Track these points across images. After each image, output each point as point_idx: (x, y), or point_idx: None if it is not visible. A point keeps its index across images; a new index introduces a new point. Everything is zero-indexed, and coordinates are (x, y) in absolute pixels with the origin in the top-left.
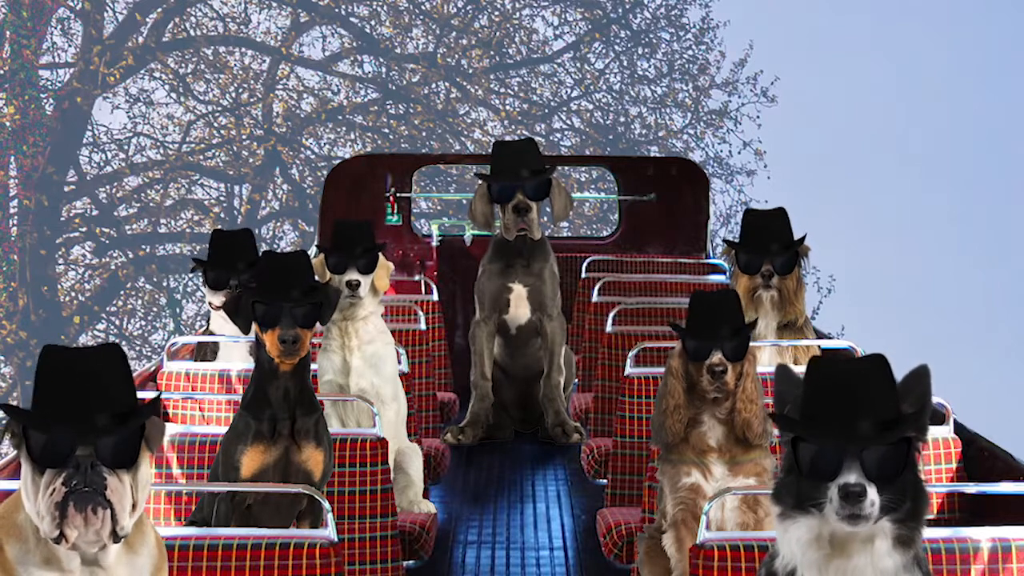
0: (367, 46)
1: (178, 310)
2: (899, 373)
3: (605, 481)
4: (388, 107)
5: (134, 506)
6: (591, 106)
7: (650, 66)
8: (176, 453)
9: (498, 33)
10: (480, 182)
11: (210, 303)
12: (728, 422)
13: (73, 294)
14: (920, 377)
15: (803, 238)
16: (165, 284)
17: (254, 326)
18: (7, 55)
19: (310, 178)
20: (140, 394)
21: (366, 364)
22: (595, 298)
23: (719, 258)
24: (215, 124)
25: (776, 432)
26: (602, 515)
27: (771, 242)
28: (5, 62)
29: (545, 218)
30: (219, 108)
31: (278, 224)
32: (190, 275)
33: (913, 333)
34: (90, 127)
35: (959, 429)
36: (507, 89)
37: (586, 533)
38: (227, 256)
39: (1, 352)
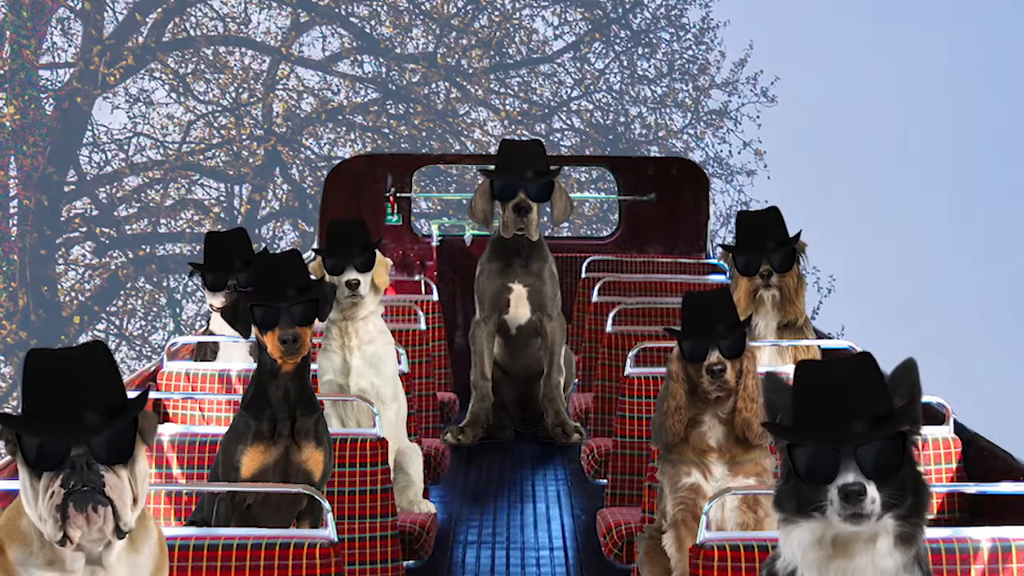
0: (367, 46)
1: (178, 310)
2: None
3: (605, 481)
4: (388, 107)
5: (135, 500)
6: (591, 106)
7: (650, 66)
8: (176, 453)
9: (498, 33)
10: (483, 178)
11: (210, 304)
12: (728, 422)
13: (73, 294)
14: (908, 370)
15: (798, 235)
16: (165, 284)
17: (254, 329)
18: (7, 55)
19: (310, 178)
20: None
21: (366, 364)
22: (595, 298)
23: (718, 260)
24: (215, 124)
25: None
26: (602, 515)
27: (767, 241)
28: (5, 62)
29: (544, 219)
30: (219, 108)
31: (278, 224)
32: (190, 275)
33: (913, 333)
34: (90, 127)
35: (959, 429)
36: (507, 89)
37: (586, 533)
38: (223, 257)
39: (1, 352)
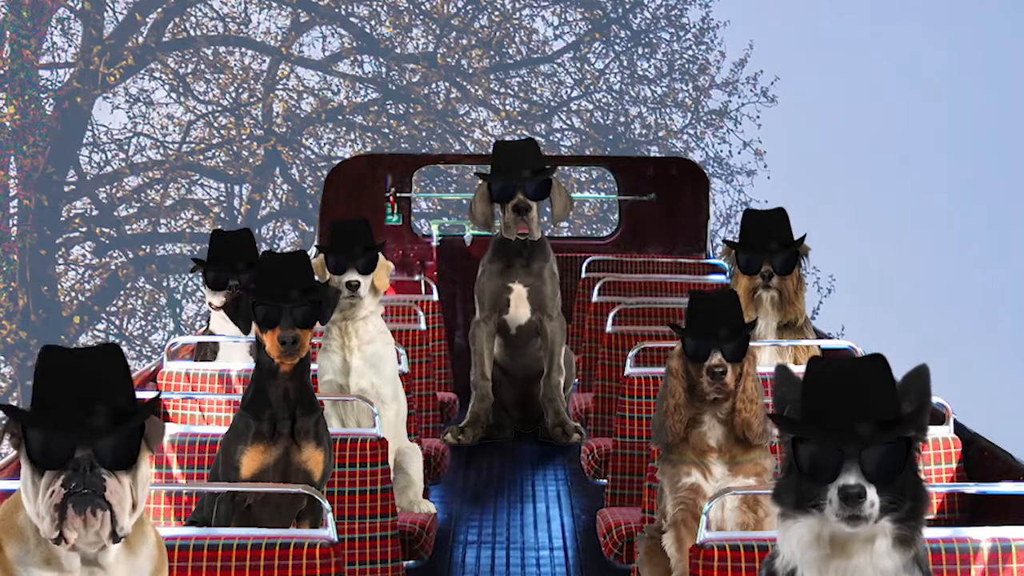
0: (367, 46)
1: (178, 310)
2: (899, 373)
3: (605, 481)
4: (388, 107)
5: (134, 506)
6: (591, 106)
7: (650, 66)
8: (176, 453)
9: (498, 33)
10: (480, 182)
11: (210, 303)
12: (728, 422)
13: (73, 294)
14: (920, 376)
15: (803, 238)
16: (165, 284)
17: (254, 327)
18: (7, 55)
19: (310, 178)
20: (140, 394)
21: (366, 364)
22: (595, 298)
23: (719, 258)
24: (215, 124)
25: (776, 432)
26: (602, 515)
27: (770, 242)
28: (5, 62)
29: (545, 218)
30: (219, 108)
31: (278, 224)
32: (190, 275)
33: (913, 333)
34: (90, 127)
35: (959, 429)
36: (507, 89)
37: (586, 533)
38: (227, 256)
39: (1, 352)
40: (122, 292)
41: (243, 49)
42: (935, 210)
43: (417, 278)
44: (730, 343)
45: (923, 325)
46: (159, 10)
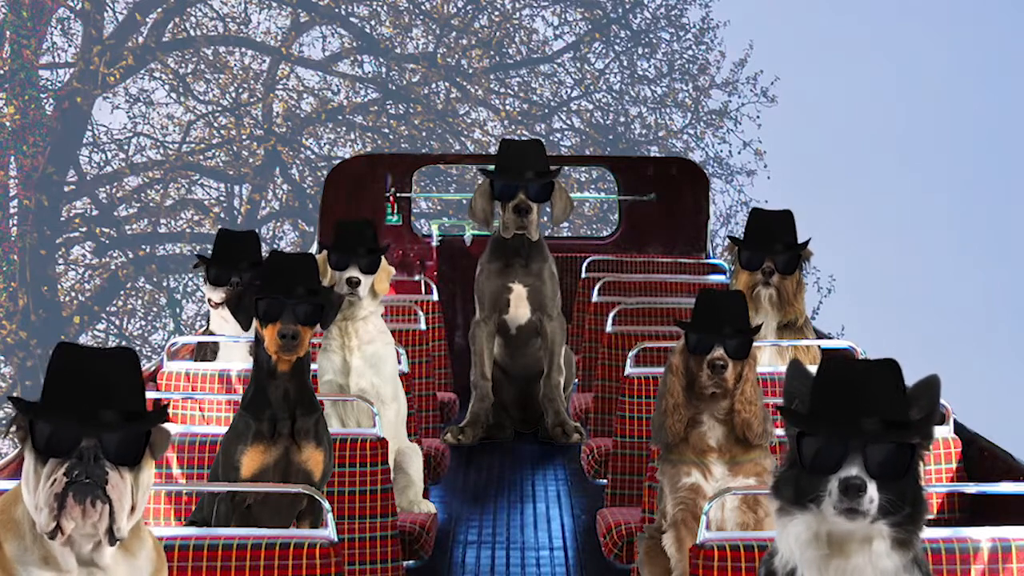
0: (367, 46)
1: (178, 310)
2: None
3: (605, 481)
4: (388, 107)
5: (133, 508)
6: (591, 106)
7: (650, 66)
8: (176, 453)
9: (498, 33)
10: (483, 178)
11: (209, 300)
12: (728, 422)
13: (73, 294)
14: (930, 386)
15: (807, 241)
16: (165, 284)
17: (255, 323)
18: (7, 55)
19: (310, 178)
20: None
21: (366, 364)
22: (595, 298)
23: (720, 257)
24: (215, 124)
25: (777, 432)
26: (602, 515)
27: (775, 241)
28: (5, 62)
29: (544, 218)
30: (219, 108)
31: (278, 224)
32: (190, 275)
33: (913, 333)
34: (90, 127)
35: (959, 429)
36: (507, 89)
37: (586, 533)
38: (231, 254)
39: (1, 352)
40: (122, 292)
41: (243, 49)
42: (935, 210)
43: (417, 278)
44: (733, 340)
45: (923, 325)
46: (159, 10)
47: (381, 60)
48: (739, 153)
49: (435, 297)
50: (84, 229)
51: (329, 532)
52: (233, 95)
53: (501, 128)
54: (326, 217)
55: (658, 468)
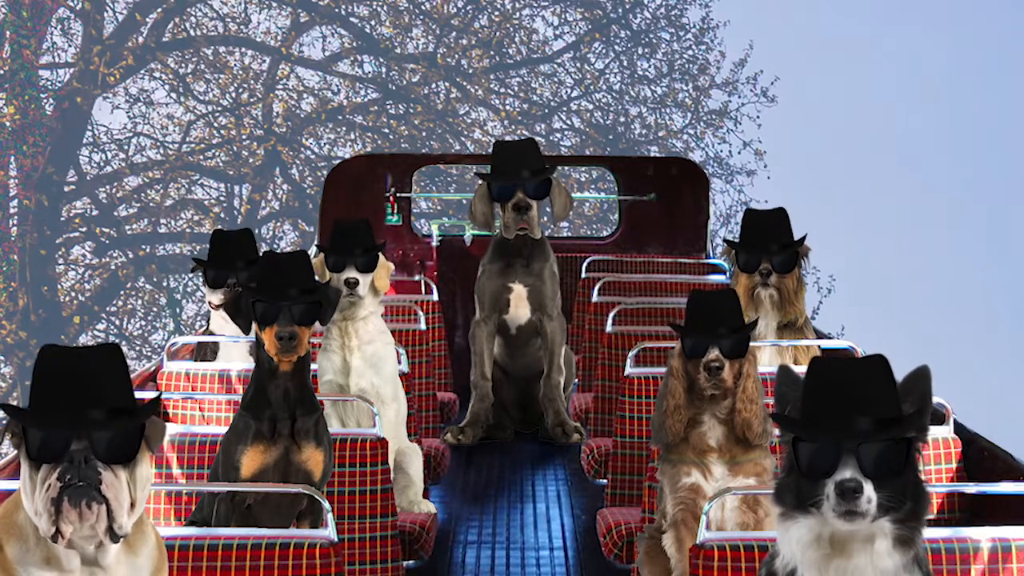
0: (367, 46)
1: (178, 310)
2: (899, 373)
3: (605, 481)
4: (388, 107)
5: (133, 505)
6: (591, 106)
7: (650, 66)
8: (176, 453)
9: (498, 33)
10: (480, 182)
11: (209, 302)
12: (728, 422)
13: (73, 294)
14: (921, 378)
15: (803, 238)
16: (165, 284)
17: (254, 325)
18: (7, 55)
19: (310, 178)
20: (140, 394)
21: (366, 364)
22: (595, 298)
23: (719, 258)
24: (215, 124)
25: (777, 432)
26: (602, 515)
27: (770, 241)
28: (5, 62)
29: (545, 218)
30: (219, 108)
31: (278, 224)
32: (190, 275)
33: (913, 333)
34: (90, 127)
35: (959, 429)
36: (507, 89)
37: (586, 533)
38: (227, 255)
39: (1, 352)
40: (122, 292)
41: (243, 49)
42: (935, 210)
43: (417, 278)
44: (728, 340)
45: (923, 325)
46: (159, 10)
47: (381, 60)
48: (739, 153)
49: (435, 297)
50: (84, 229)
51: (329, 532)
52: (233, 95)
53: (501, 128)
54: (326, 217)
55: (658, 468)
